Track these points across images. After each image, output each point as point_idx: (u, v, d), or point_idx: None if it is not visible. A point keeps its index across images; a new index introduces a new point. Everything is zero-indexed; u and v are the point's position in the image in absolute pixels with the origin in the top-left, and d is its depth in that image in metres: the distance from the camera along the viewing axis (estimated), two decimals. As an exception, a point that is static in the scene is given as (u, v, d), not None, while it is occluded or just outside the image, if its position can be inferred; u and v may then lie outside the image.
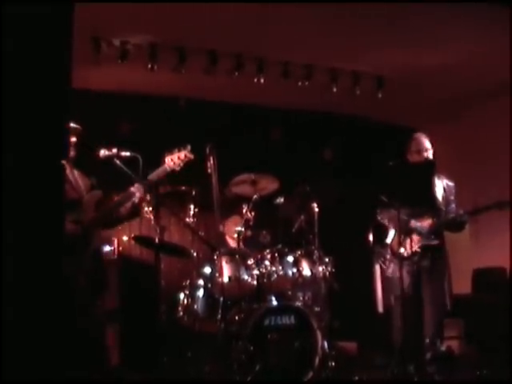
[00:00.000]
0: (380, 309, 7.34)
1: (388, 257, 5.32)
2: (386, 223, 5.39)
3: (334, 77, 6.63)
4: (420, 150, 5.28)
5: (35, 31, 2.29)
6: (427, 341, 5.10)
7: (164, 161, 4.68)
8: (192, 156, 4.73)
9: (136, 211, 4.61)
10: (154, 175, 4.62)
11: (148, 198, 4.62)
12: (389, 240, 5.36)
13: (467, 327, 6.56)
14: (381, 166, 4.97)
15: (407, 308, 4.96)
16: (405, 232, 5.06)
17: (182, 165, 4.69)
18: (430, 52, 6.17)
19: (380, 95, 6.88)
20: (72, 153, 4.50)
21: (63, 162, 4.38)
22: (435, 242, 5.18)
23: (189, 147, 4.73)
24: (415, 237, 5.12)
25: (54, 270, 2.26)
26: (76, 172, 4.60)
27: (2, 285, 2.11)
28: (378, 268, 7.19)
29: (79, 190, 4.51)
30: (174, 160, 4.67)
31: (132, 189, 4.49)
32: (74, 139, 4.49)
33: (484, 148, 7.40)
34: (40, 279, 2.21)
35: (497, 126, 7.17)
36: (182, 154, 4.69)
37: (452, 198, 5.30)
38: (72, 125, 4.49)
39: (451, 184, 5.34)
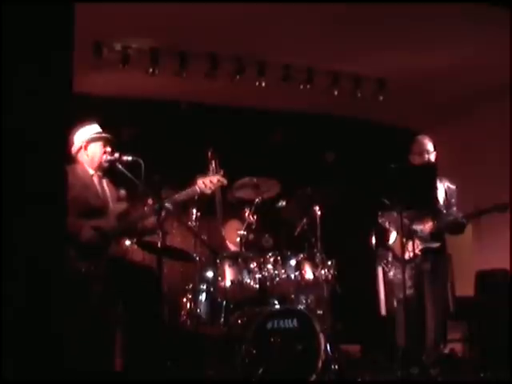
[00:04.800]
0: (383, 311, 7.32)
1: (389, 259, 5.32)
2: (387, 226, 5.39)
3: (335, 80, 6.64)
4: (423, 152, 5.28)
5: (37, 35, 2.29)
6: (430, 343, 5.10)
7: (196, 182, 4.58)
8: (225, 181, 4.65)
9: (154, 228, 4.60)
10: (182, 195, 4.56)
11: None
12: (391, 242, 5.36)
13: (470, 329, 6.54)
14: (383, 169, 4.97)
15: (410, 311, 4.95)
16: (407, 235, 5.05)
17: (213, 189, 4.60)
18: (430, 54, 6.17)
19: (381, 98, 6.89)
20: (106, 162, 4.57)
21: (92, 171, 4.55)
22: (436, 245, 5.18)
23: (222, 171, 4.65)
24: (417, 240, 5.11)
25: (56, 270, 2.27)
26: (105, 181, 4.67)
27: (3, 285, 2.12)
28: (380, 271, 7.18)
29: (105, 199, 4.57)
30: (205, 183, 4.55)
31: (156, 206, 4.48)
32: (108, 149, 4.59)
33: (486, 150, 7.39)
34: (41, 279, 2.22)
35: (498, 128, 7.16)
36: (215, 179, 4.58)
37: (453, 200, 5.29)
38: (106, 135, 4.57)
39: (453, 187, 5.32)
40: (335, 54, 6.23)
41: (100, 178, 4.63)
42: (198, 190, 4.56)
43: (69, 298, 2.45)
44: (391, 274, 5.31)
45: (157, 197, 4.35)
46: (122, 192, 4.76)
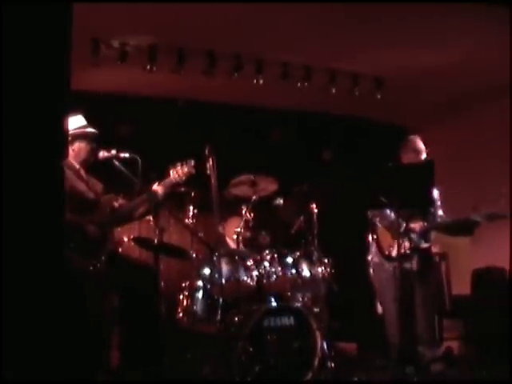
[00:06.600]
0: (379, 310, 7.33)
1: (377, 259, 5.33)
2: (376, 222, 5.37)
3: (333, 78, 6.64)
4: (416, 151, 5.28)
5: (34, 33, 2.29)
6: (423, 341, 5.10)
7: (169, 174, 4.76)
8: (194, 171, 4.79)
9: (145, 214, 4.76)
10: (160, 186, 4.70)
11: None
12: (375, 237, 5.35)
13: (467, 328, 6.55)
14: (380, 167, 4.96)
15: (401, 310, 4.94)
16: (398, 234, 5.01)
17: (184, 179, 4.77)
18: (429, 53, 6.17)
19: (379, 96, 6.89)
20: (91, 158, 4.63)
21: (77, 165, 4.56)
22: (426, 245, 5.18)
23: (192, 162, 4.79)
24: (406, 239, 5.10)
25: (56, 269, 2.27)
26: (88, 175, 4.70)
27: (3, 284, 2.11)
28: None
29: (96, 193, 4.63)
30: (178, 173, 4.74)
31: (145, 196, 4.55)
32: (94, 145, 4.63)
33: (485, 149, 7.38)
34: (41, 278, 2.22)
35: (497, 127, 7.16)
36: (185, 169, 4.75)
37: (439, 203, 5.29)
38: (91, 130, 4.58)
39: (436, 191, 5.31)
40: (333, 52, 6.22)
41: (85, 172, 4.67)
42: (174, 180, 4.75)
43: (70, 296, 2.45)
44: (381, 273, 5.31)
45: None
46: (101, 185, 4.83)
